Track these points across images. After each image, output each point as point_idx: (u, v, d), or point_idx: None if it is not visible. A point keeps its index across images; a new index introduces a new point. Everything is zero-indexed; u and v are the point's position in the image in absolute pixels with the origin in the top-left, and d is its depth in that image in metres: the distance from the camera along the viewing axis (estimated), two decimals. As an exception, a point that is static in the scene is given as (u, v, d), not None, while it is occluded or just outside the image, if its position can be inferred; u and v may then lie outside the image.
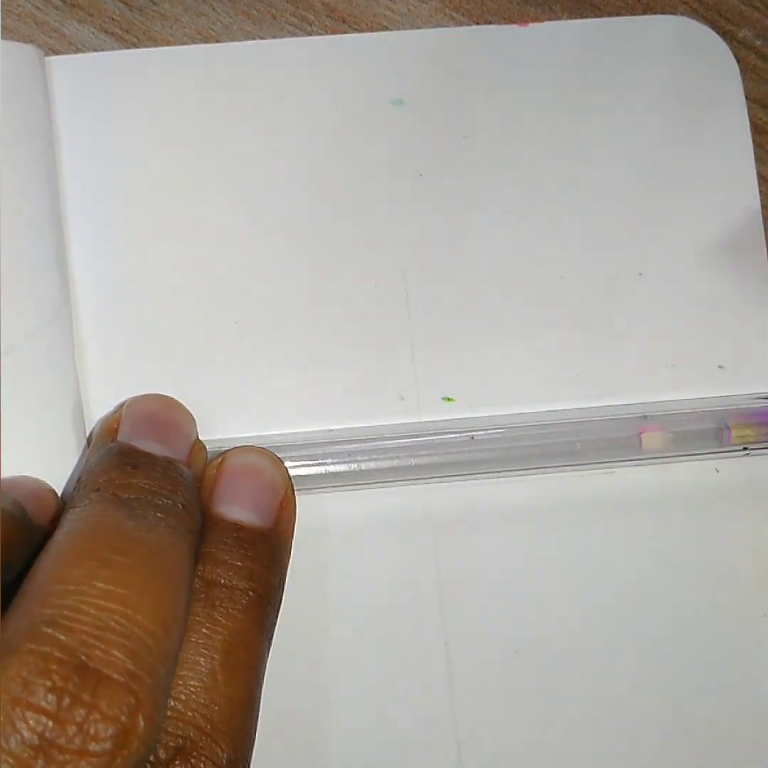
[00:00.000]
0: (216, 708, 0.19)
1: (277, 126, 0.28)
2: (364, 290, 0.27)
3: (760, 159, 0.29)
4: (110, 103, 0.27)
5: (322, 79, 0.28)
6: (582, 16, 0.29)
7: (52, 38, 0.28)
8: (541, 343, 0.28)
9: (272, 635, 0.22)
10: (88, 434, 0.26)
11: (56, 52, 0.28)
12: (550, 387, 0.27)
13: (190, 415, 0.24)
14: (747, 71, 0.29)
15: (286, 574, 0.23)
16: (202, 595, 0.21)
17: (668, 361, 0.28)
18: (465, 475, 0.26)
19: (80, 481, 0.21)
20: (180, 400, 0.24)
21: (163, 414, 0.23)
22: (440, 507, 0.27)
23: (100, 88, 0.27)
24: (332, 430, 0.26)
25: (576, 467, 0.27)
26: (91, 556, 0.19)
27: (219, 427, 0.26)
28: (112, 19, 0.28)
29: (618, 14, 0.29)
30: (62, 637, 0.17)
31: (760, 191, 0.28)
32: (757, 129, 0.29)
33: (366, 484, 0.26)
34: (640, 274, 0.28)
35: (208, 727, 0.19)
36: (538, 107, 0.28)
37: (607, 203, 0.28)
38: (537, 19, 0.29)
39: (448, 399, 0.27)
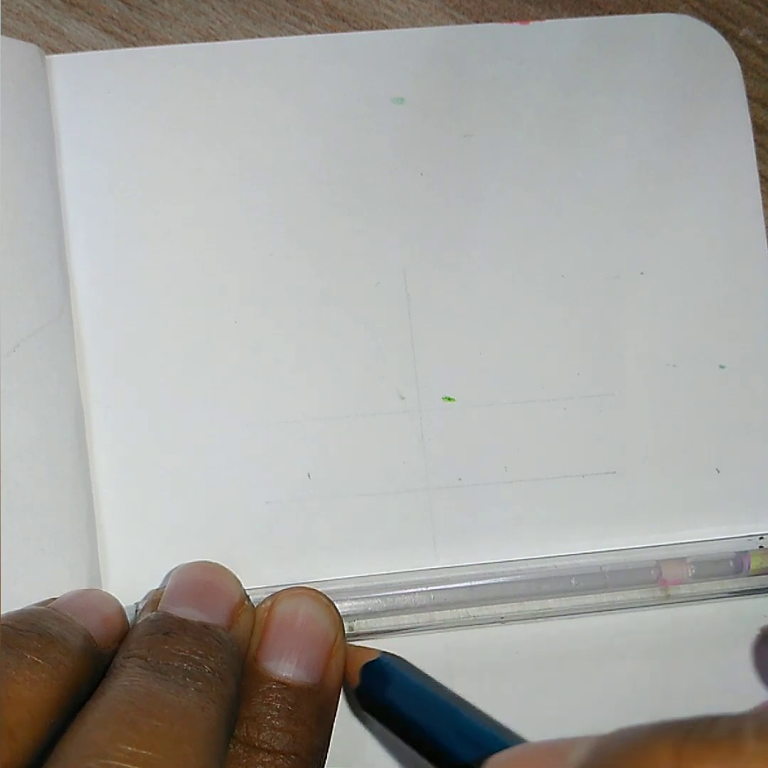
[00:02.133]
0: None
1: (277, 125, 0.28)
2: (365, 289, 0.27)
3: (761, 158, 0.28)
4: (110, 101, 0.27)
5: (322, 77, 0.28)
6: (583, 15, 0.29)
7: (51, 37, 0.28)
8: (541, 342, 0.28)
9: None
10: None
11: (55, 51, 0.28)
12: (550, 387, 0.27)
13: (233, 577, 0.24)
14: (748, 70, 0.29)
15: (331, 730, 0.22)
16: (244, 760, 0.20)
17: (669, 361, 0.28)
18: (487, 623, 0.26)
19: (118, 652, 0.21)
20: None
21: (202, 579, 0.23)
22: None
23: (100, 87, 0.27)
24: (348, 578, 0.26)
25: (598, 611, 0.26)
26: (117, 719, 0.18)
27: (217, 424, 0.26)
28: (112, 17, 0.28)
29: (619, 13, 0.29)
30: None
31: (761, 190, 0.28)
32: (758, 128, 0.29)
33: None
34: (641, 273, 0.28)
35: None
36: (538, 106, 0.28)
37: (608, 202, 0.28)
38: (537, 18, 0.29)
39: (449, 398, 0.27)
